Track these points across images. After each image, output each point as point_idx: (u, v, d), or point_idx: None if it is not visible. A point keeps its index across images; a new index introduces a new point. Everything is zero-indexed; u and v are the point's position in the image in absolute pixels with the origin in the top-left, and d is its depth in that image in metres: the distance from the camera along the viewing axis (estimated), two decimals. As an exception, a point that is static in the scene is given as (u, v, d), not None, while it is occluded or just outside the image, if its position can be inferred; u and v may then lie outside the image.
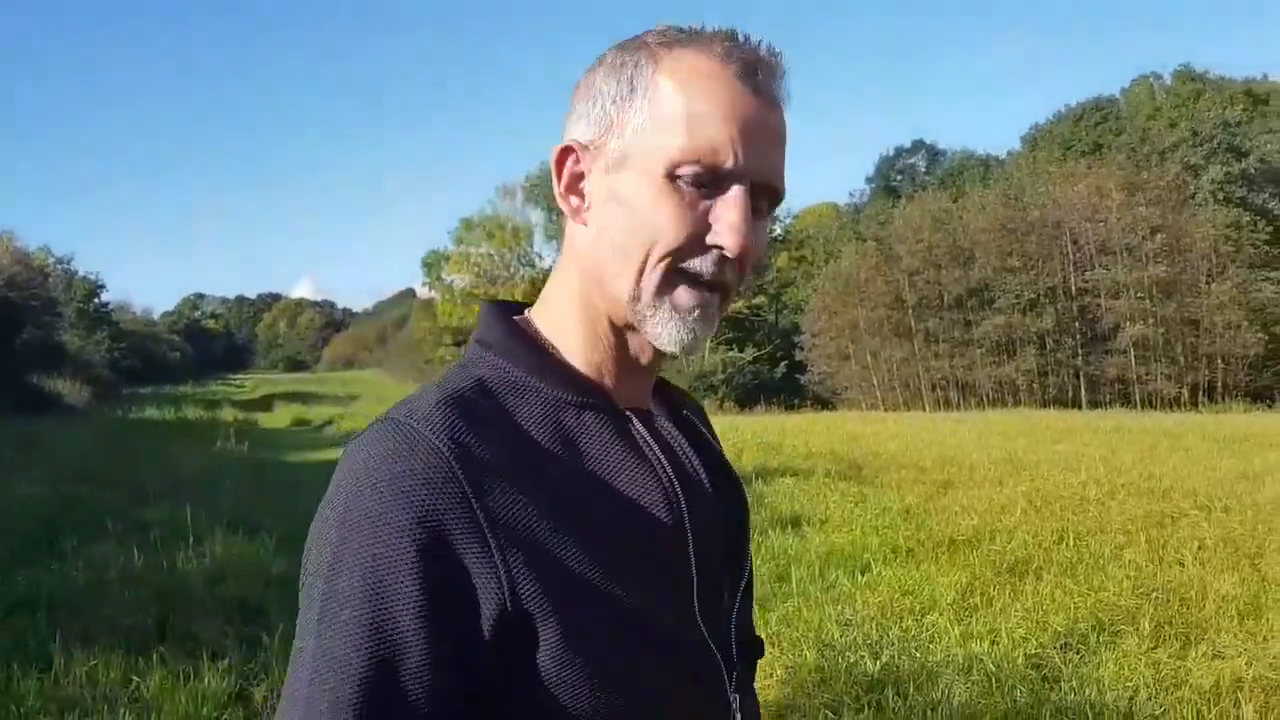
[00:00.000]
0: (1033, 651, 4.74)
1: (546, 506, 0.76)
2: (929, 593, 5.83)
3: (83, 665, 4.43)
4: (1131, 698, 4.17)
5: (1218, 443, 15.22)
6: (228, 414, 27.40)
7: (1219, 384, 35.12)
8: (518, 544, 0.74)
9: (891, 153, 60.66)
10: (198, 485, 10.72)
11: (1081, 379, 36.64)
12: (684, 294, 0.82)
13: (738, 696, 0.87)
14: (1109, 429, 19.05)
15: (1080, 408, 33.71)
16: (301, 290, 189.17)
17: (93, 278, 50.15)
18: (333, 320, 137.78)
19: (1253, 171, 37.16)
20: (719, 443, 1.02)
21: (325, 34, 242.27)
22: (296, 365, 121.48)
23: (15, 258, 31.34)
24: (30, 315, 29.24)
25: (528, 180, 44.01)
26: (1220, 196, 36.19)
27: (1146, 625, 5.03)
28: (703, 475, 0.89)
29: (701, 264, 0.81)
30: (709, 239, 0.80)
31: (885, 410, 35.42)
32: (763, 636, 1.13)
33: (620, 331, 0.86)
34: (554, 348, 0.87)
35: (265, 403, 37.59)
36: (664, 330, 0.82)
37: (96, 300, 51.04)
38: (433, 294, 48.50)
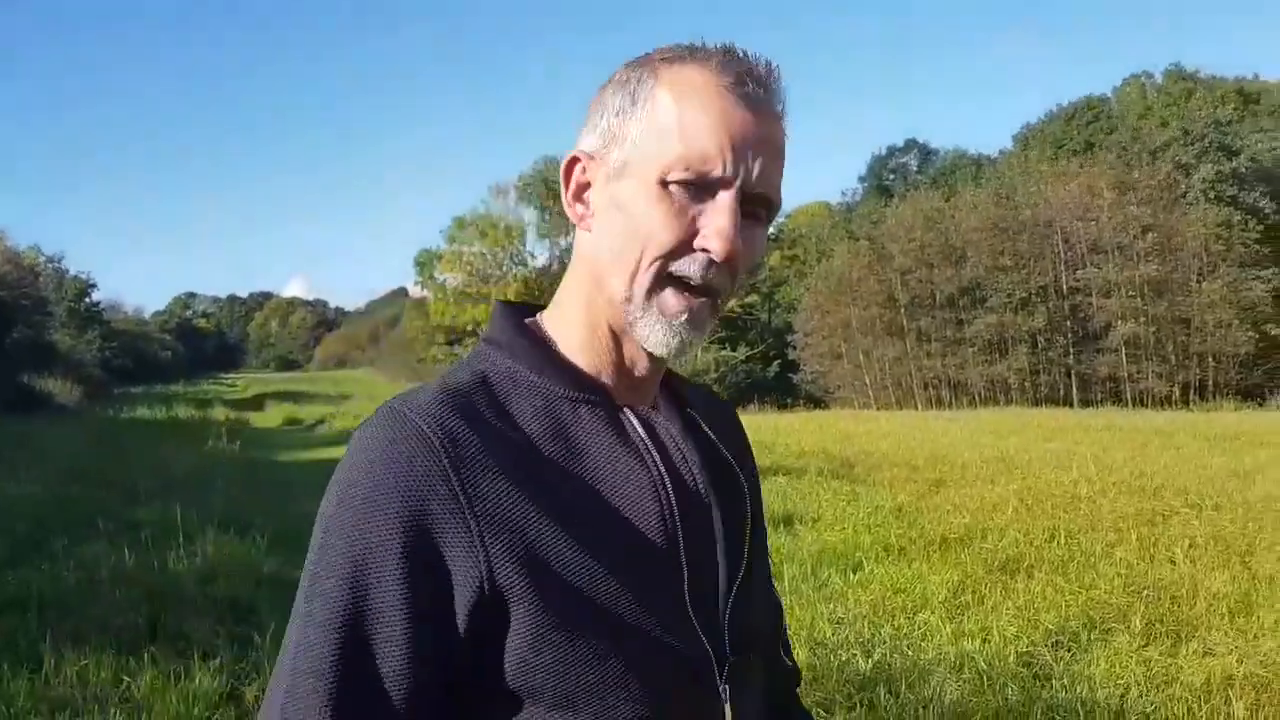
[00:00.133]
0: (1024, 649, 4.75)
1: (533, 495, 0.80)
2: (921, 591, 5.83)
3: (73, 665, 4.40)
4: (1123, 695, 4.18)
5: (1208, 441, 15.32)
6: (219, 413, 27.35)
7: (1210, 382, 35.30)
8: (499, 529, 0.78)
9: (884, 152, 60.84)
10: (189, 485, 10.69)
11: (1073, 377, 36.81)
12: (671, 298, 0.84)
13: (728, 687, 0.87)
14: (1100, 427, 19.14)
15: (1072, 406, 33.85)
16: (293, 289, 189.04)
17: (84, 277, 50.26)
18: (325, 319, 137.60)
19: (1243, 170, 37.31)
20: (740, 438, 1.04)
21: (318, 33, 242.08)
22: (288, 364, 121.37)
23: (5, 257, 31.31)
24: (21, 314, 29.17)
25: (520, 179, 43.90)
26: (1211, 195, 36.33)
27: (1138, 623, 5.05)
28: (695, 469, 0.91)
29: (691, 268, 0.84)
30: (697, 243, 0.83)
31: (877, 409, 35.55)
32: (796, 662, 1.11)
33: (618, 334, 0.89)
34: (558, 346, 0.91)
35: (257, 402, 37.62)
36: (651, 333, 0.86)
37: (87, 299, 50.96)
38: (425, 293, 48.32)
